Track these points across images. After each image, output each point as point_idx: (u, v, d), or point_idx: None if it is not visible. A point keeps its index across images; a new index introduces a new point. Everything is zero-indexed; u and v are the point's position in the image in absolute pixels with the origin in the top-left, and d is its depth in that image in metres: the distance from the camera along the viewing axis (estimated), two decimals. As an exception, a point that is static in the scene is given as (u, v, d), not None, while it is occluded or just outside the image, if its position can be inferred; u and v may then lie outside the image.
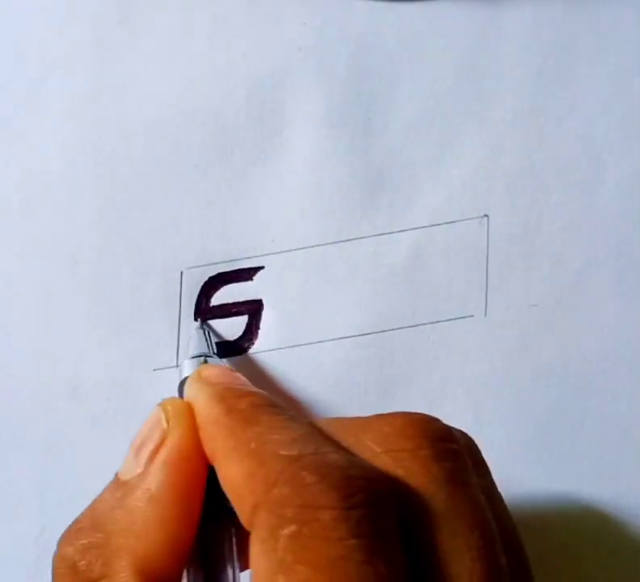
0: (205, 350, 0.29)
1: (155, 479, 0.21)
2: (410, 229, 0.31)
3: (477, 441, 0.22)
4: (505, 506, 0.20)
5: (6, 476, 0.30)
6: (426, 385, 0.31)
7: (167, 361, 0.30)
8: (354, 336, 0.31)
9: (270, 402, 0.22)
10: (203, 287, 0.30)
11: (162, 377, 0.30)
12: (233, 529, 0.21)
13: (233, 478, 0.19)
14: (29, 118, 0.30)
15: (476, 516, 0.18)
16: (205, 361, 0.27)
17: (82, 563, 0.20)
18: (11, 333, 0.30)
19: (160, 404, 0.23)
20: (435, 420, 0.20)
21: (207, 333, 0.30)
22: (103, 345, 0.30)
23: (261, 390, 0.23)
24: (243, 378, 0.25)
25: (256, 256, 0.31)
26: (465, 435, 0.21)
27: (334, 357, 0.31)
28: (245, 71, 0.30)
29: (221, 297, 0.31)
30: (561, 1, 0.32)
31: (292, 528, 0.17)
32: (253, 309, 0.31)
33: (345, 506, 0.17)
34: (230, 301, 0.31)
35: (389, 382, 0.31)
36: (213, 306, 0.30)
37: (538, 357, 0.31)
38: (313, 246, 0.31)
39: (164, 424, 0.22)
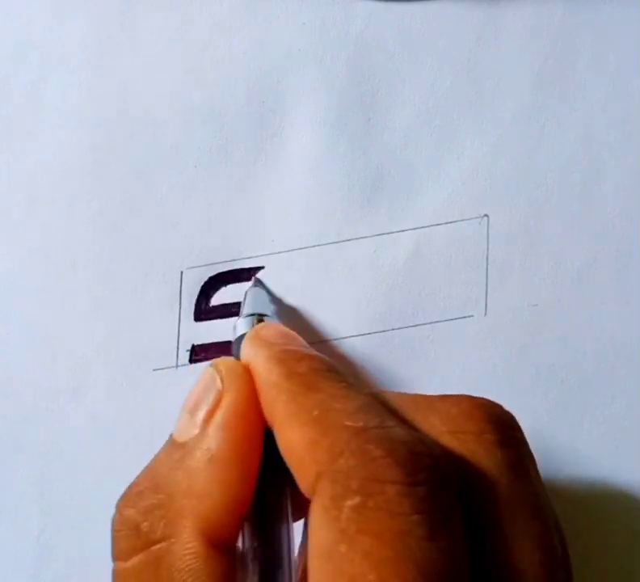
0: (261, 309, 0.28)
1: (214, 440, 0.20)
2: (410, 229, 0.31)
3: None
4: (550, 500, 0.21)
5: (6, 476, 0.30)
6: (426, 385, 0.31)
7: (167, 361, 0.30)
8: (354, 336, 0.31)
9: (330, 367, 0.21)
10: (203, 287, 0.30)
11: (162, 377, 0.30)
12: (287, 490, 0.21)
13: (294, 443, 0.19)
14: (29, 118, 0.30)
15: (536, 504, 0.19)
16: (261, 320, 0.27)
17: (145, 524, 0.20)
18: (11, 333, 0.30)
19: (213, 364, 0.23)
20: (500, 407, 0.20)
21: (263, 291, 0.29)
22: (103, 345, 0.30)
23: (319, 353, 0.23)
24: (301, 339, 0.25)
25: (256, 256, 0.31)
26: (512, 415, 0.21)
27: (334, 357, 0.31)
28: (245, 71, 0.30)
29: (220, 297, 0.31)
30: (561, 1, 0.32)
31: (357, 499, 0.17)
32: (253, 309, 0.31)
33: (410, 482, 0.17)
34: (230, 301, 0.31)
35: (389, 382, 0.31)
36: (213, 306, 0.30)
37: (538, 357, 0.31)
38: (313, 246, 0.31)
39: (219, 384, 0.22)
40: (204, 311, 0.30)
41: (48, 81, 0.30)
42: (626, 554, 0.31)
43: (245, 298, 0.29)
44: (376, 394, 0.21)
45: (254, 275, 0.31)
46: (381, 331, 0.31)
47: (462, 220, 0.31)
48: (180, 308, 0.30)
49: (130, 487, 0.22)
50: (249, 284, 0.30)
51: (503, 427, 0.20)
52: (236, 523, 0.20)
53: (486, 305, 0.31)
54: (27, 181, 0.30)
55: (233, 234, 0.30)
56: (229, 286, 0.31)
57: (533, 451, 0.21)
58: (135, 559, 0.20)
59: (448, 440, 0.19)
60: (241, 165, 0.30)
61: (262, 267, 0.31)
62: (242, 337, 0.25)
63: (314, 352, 0.23)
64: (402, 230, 0.31)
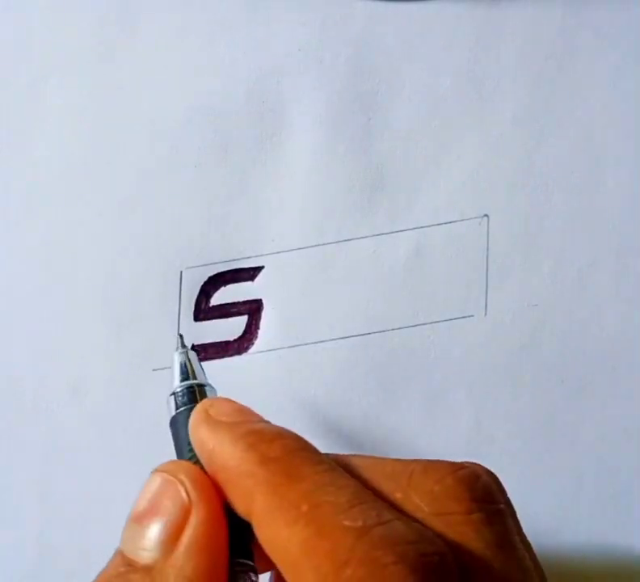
0: (198, 376, 0.25)
1: (190, 564, 0.19)
2: (410, 229, 0.31)
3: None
4: (533, 552, 0.20)
5: (6, 476, 0.30)
6: (426, 385, 0.31)
7: (167, 361, 0.30)
8: (354, 336, 0.31)
9: (303, 445, 0.20)
10: (203, 287, 0.30)
11: (161, 377, 0.30)
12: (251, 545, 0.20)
13: (284, 544, 0.18)
14: (29, 118, 0.30)
15: (526, 577, 0.19)
16: (199, 391, 0.24)
17: None
18: (11, 333, 0.30)
19: (169, 469, 0.20)
20: (482, 475, 0.20)
21: (194, 354, 0.26)
22: (103, 345, 0.30)
23: (281, 427, 0.21)
24: (255, 412, 0.22)
25: (256, 256, 0.31)
26: (491, 474, 0.21)
27: (334, 357, 0.31)
28: (245, 71, 0.30)
29: (220, 297, 0.31)
30: (561, 1, 0.32)
31: None
32: (253, 309, 0.31)
33: None
34: (230, 301, 0.31)
35: (389, 382, 0.31)
36: (213, 306, 0.30)
37: (538, 357, 0.31)
38: (313, 246, 0.31)
39: (183, 497, 0.19)
40: (203, 311, 0.30)
41: (48, 81, 0.30)
42: (624, 549, 0.31)
43: (174, 364, 0.25)
44: (351, 467, 0.20)
45: (254, 275, 0.31)
46: (380, 331, 0.31)
47: (462, 220, 0.31)
48: (180, 308, 0.30)
49: None
50: (180, 348, 0.25)
51: (487, 503, 0.19)
52: None
53: (486, 305, 0.31)
54: (27, 181, 0.30)
55: (233, 234, 0.30)
56: (229, 286, 0.31)
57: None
58: None
59: (436, 524, 0.19)
60: (241, 165, 0.30)
61: (262, 267, 0.31)
62: (183, 413, 0.23)
63: (280, 428, 0.21)
64: (402, 230, 0.31)
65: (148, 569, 0.19)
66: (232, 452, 0.19)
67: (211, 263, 0.30)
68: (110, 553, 0.21)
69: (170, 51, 0.30)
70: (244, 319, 0.31)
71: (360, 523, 0.17)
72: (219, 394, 0.25)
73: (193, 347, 0.30)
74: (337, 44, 0.31)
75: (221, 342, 0.30)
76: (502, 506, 0.20)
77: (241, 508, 0.19)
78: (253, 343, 0.31)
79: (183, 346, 0.25)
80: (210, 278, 0.30)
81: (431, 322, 0.31)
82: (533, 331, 0.31)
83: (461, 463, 0.20)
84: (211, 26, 0.30)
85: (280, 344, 0.31)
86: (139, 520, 0.20)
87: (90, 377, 0.30)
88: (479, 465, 0.20)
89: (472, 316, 0.31)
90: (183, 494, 0.19)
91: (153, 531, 0.19)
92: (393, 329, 0.31)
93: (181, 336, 0.26)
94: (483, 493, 0.19)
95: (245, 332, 0.31)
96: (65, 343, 0.30)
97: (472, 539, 0.18)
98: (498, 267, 0.31)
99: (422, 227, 0.31)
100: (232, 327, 0.31)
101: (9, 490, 0.30)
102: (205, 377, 0.25)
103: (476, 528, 0.19)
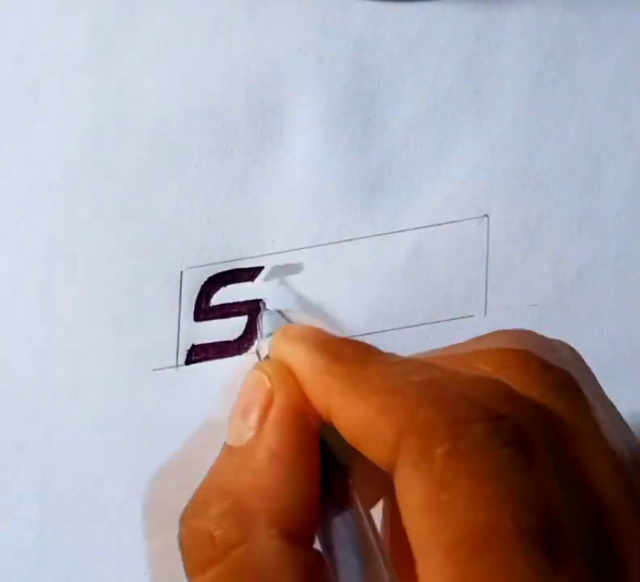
0: (282, 306, 0.29)
1: (273, 438, 0.20)
2: (410, 229, 0.31)
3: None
4: (617, 411, 0.21)
5: (6, 476, 0.30)
6: (426, 385, 0.31)
7: (167, 361, 0.30)
8: (354, 336, 0.31)
9: (371, 346, 0.22)
10: (203, 287, 0.30)
11: (162, 377, 0.30)
12: (350, 482, 0.21)
13: (362, 415, 0.19)
14: (29, 118, 0.30)
15: (596, 417, 0.19)
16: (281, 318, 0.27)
17: (219, 531, 0.20)
18: (11, 333, 0.30)
19: (257, 366, 0.23)
20: (534, 333, 0.21)
21: (276, 312, 0.30)
22: (103, 345, 0.30)
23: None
24: (327, 331, 0.25)
25: (256, 256, 0.31)
26: (565, 344, 0.22)
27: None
28: (245, 71, 0.30)
29: (220, 297, 0.31)
30: (561, 1, 0.32)
31: (447, 445, 0.17)
32: (253, 309, 0.31)
33: (495, 416, 0.17)
34: (230, 301, 0.31)
35: (389, 382, 0.31)
36: (213, 306, 0.30)
37: (538, 357, 0.31)
38: (313, 246, 0.31)
39: (267, 384, 0.22)
40: (203, 311, 0.30)
41: (48, 81, 0.30)
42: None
43: (260, 321, 0.30)
44: (421, 357, 0.21)
45: (254, 275, 0.31)
46: (380, 331, 0.31)
47: (462, 220, 0.31)
48: (180, 308, 0.30)
49: (193, 500, 0.22)
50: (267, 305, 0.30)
51: (544, 351, 0.20)
52: (309, 517, 0.20)
53: (486, 305, 0.31)
54: (27, 181, 0.30)
55: (233, 234, 0.30)
56: (229, 286, 0.31)
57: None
58: (213, 570, 0.20)
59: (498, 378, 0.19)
60: (241, 165, 0.30)
61: (262, 267, 0.31)
62: (270, 337, 0.26)
63: (349, 338, 0.23)
64: (402, 230, 0.31)
65: (243, 450, 0.21)
66: (307, 356, 0.21)
67: (211, 263, 0.30)
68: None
69: (169, 51, 0.30)
70: (244, 319, 0.31)
71: (425, 377, 0.18)
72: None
73: (193, 347, 0.30)
74: (337, 44, 0.31)
75: (220, 342, 0.30)
76: (560, 355, 0.20)
77: (319, 402, 0.21)
78: (253, 343, 0.31)
79: (265, 308, 0.30)
80: (210, 278, 0.30)
81: (431, 322, 0.31)
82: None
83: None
84: (211, 26, 0.30)
85: (280, 344, 0.31)
86: (238, 412, 0.22)
87: (90, 377, 0.30)
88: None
89: (472, 316, 0.31)
90: (267, 381, 0.22)
91: (249, 419, 0.21)
92: (393, 329, 0.31)
93: (262, 301, 0.30)
94: (538, 344, 0.20)
95: (245, 332, 0.31)
96: (65, 343, 0.30)
97: (532, 386, 0.19)
98: (498, 267, 0.31)
99: (422, 227, 0.31)
100: (232, 327, 0.31)
101: (9, 490, 0.30)
102: (288, 304, 0.29)
103: (536, 375, 0.19)
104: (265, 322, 0.29)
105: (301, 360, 0.22)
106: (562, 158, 0.32)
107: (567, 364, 0.20)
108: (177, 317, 0.30)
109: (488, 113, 0.31)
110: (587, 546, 0.17)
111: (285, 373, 0.22)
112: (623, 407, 0.31)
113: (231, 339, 0.31)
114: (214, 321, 0.31)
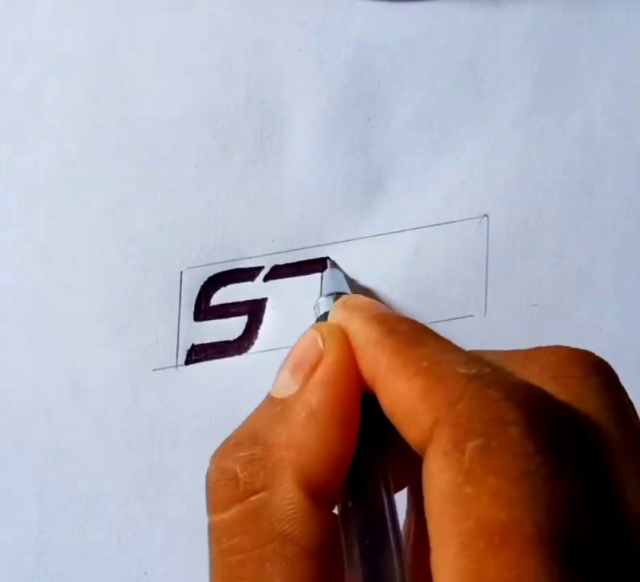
0: (341, 288, 0.29)
1: (315, 395, 0.21)
2: (410, 229, 0.31)
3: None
4: None
5: (6, 476, 0.30)
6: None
7: (167, 361, 0.30)
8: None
9: (429, 328, 0.22)
10: (203, 287, 0.30)
11: (162, 377, 0.30)
12: (385, 458, 0.21)
13: (404, 394, 0.19)
14: (29, 118, 0.30)
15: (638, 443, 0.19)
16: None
17: (244, 474, 0.20)
18: (11, 333, 0.30)
19: (314, 326, 0.23)
20: (594, 354, 0.21)
21: (340, 273, 0.30)
22: (103, 345, 0.30)
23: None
24: (383, 304, 0.25)
25: (256, 256, 0.31)
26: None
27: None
28: (245, 71, 0.30)
29: (220, 297, 0.31)
30: (561, 1, 0.32)
31: (480, 441, 0.17)
32: (253, 309, 0.31)
33: (531, 423, 0.17)
34: (230, 301, 0.31)
35: (389, 382, 0.31)
36: (213, 306, 0.30)
37: (538, 357, 0.31)
38: (313, 246, 0.31)
39: (320, 344, 0.22)
40: (203, 311, 0.30)
41: (48, 81, 0.30)
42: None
43: (322, 280, 0.30)
44: (476, 351, 0.21)
45: (254, 275, 0.31)
46: (380, 331, 0.31)
47: (462, 220, 0.31)
48: (180, 308, 0.30)
49: (226, 441, 0.22)
50: (329, 265, 0.31)
51: (605, 370, 0.20)
52: (336, 479, 0.20)
53: (486, 305, 0.31)
54: (27, 181, 0.30)
55: (233, 234, 0.30)
56: (229, 286, 0.31)
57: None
58: (233, 510, 0.20)
59: (553, 386, 0.19)
60: (241, 165, 0.30)
61: (262, 267, 0.31)
62: (325, 316, 0.25)
63: (410, 317, 0.23)
64: (402, 230, 0.31)
65: (284, 402, 0.21)
66: (363, 325, 0.21)
67: (211, 263, 0.30)
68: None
69: (169, 51, 0.30)
70: (244, 319, 0.31)
71: (474, 371, 0.18)
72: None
73: (193, 347, 0.30)
74: (337, 44, 0.31)
75: (220, 342, 0.30)
76: (617, 377, 0.20)
77: (367, 372, 0.20)
78: (253, 343, 0.31)
79: (332, 266, 0.31)
80: (210, 278, 0.30)
81: (431, 322, 0.31)
82: (533, 331, 0.31)
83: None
84: (211, 26, 0.30)
85: (280, 344, 0.31)
86: (287, 366, 0.22)
87: (90, 377, 0.30)
88: None
89: (472, 316, 0.31)
90: (320, 341, 0.22)
91: (296, 374, 0.22)
92: (393, 329, 0.31)
93: (331, 262, 0.31)
94: (600, 363, 0.20)
95: (245, 332, 0.31)
96: (65, 343, 0.30)
97: (587, 399, 0.19)
98: (498, 267, 0.31)
99: (422, 227, 0.31)
100: (232, 327, 0.31)
101: (9, 490, 0.30)
102: (347, 289, 0.29)
103: (593, 390, 0.19)
104: (326, 281, 0.30)
105: (356, 328, 0.21)
106: (562, 158, 0.32)
107: (621, 387, 0.20)
108: (177, 317, 0.30)
109: (488, 113, 0.31)
110: (607, 560, 0.17)
111: (340, 336, 0.22)
112: (623, 407, 0.31)
113: (231, 339, 0.31)
114: (214, 321, 0.31)
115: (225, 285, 0.31)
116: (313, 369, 0.21)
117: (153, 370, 0.30)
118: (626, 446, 0.18)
